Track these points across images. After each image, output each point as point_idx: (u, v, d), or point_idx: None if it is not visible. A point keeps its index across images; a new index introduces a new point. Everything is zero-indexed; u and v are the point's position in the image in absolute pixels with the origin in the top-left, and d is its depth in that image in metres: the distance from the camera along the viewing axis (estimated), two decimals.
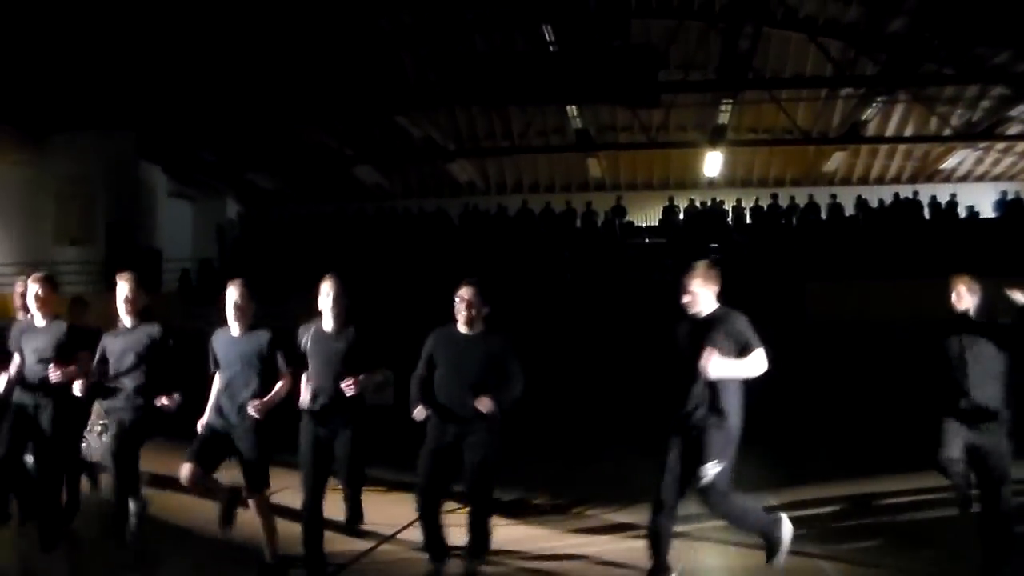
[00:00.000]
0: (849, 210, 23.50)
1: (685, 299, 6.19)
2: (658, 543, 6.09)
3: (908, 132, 25.09)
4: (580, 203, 24.73)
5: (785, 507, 7.43)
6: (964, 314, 6.77)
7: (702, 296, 6.16)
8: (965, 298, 6.78)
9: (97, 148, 21.48)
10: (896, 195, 23.91)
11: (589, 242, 22.71)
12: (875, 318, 16.69)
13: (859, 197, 24.16)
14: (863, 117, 23.00)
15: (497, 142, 26.32)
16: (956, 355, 6.60)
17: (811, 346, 15.88)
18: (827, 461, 12.12)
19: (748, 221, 23.74)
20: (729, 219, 23.82)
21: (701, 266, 6.24)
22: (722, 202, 24.36)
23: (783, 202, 23.76)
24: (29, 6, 17.11)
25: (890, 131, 25.06)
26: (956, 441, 6.59)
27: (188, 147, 22.92)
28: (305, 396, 6.83)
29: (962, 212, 22.95)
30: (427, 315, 7.09)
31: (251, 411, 6.49)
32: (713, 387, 5.98)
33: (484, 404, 6.32)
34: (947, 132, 23.65)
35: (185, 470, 6.60)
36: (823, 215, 23.33)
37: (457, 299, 6.67)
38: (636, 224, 24.81)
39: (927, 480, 8.32)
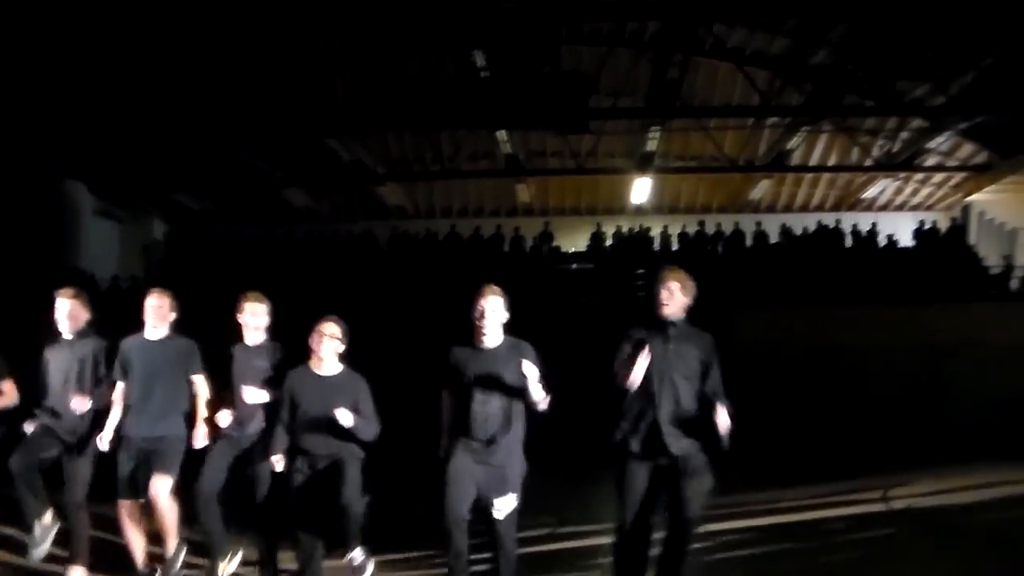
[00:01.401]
0: (774, 237, 23.71)
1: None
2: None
3: (831, 161, 25.51)
4: (508, 228, 24.68)
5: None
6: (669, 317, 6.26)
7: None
8: (676, 296, 6.18)
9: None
10: (819, 223, 24.21)
11: (516, 267, 22.57)
12: (800, 344, 16.94)
13: (783, 225, 24.35)
14: (788, 146, 23.31)
15: (427, 166, 26.08)
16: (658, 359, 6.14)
17: (737, 372, 16.01)
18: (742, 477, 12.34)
19: (675, 248, 23.79)
20: (656, 245, 23.84)
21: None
22: (649, 229, 24.36)
23: (709, 229, 23.88)
24: None
25: (814, 160, 25.44)
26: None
27: (115, 166, 22.55)
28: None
29: (882, 240, 23.26)
30: (354, 339, 6.99)
31: (197, 443, 6.58)
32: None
33: (341, 415, 6.39)
34: (868, 162, 24.08)
35: (125, 508, 6.64)
36: (748, 242, 23.50)
37: (317, 334, 6.73)
38: (563, 250, 24.77)
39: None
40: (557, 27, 20.58)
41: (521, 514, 6.27)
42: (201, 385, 6.97)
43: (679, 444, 5.96)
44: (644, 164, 23.77)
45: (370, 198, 27.21)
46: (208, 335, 7.26)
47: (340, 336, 6.76)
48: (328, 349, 6.72)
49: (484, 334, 6.32)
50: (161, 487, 6.68)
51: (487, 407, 6.20)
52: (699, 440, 6.04)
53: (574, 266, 23.63)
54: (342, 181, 26.15)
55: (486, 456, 6.15)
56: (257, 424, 6.98)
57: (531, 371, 6.15)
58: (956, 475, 11.56)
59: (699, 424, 6.04)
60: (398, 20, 18.89)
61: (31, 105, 18.73)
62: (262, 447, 6.84)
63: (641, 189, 25.19)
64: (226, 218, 26.96)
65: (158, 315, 6.92)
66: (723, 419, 5.89)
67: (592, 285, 20.91)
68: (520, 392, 6.21)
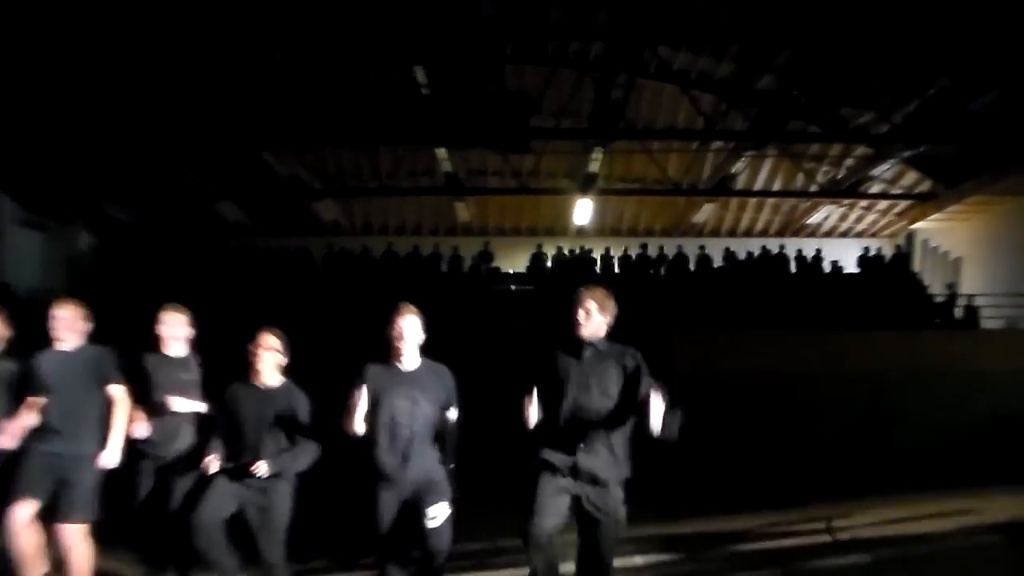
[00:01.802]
0: (718, 261, 23.79)
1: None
2: None
3: (776, 187, 25.70)
4: (447, 247, 24.56)
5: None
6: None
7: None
8: (593, 316, 6.07)
9: None
10: (763, 248, 24.38)
11: (454, 287, 22.48)
12: (743, 370, 16.84)
13: (727, 249, 24.46)
14: (732, 170, 23.45)
15: (364, 182, 25.95)
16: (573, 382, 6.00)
17: (677, 399, 15.92)
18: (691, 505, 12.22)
19: (617, 270, 23.82)
20: (597, 267, 23.83)
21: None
22: (591, 250, 24.41)
23: (652, 252, 23.96)
24: None
25: (758, 185, 25.65)
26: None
27: (40, 174, 22.00)
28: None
29: (827, 266, 23.37)
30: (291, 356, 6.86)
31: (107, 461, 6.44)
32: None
33: (260, 468, 6.28)
34: (813, 188, 24.33)
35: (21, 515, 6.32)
36: (692, 266, 23.56)
37: (256, 346, 6.61)
38: (503, 270, 24.74)
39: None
40: (502, 46, 20.54)
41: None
42: (119, 395, 6.69)
43: (592, 463, 5.85)
44: (586, 185, 23.78)
45: (306, 213, 26.87)
46: (131, 351, 7.04)
47: (279, 348, 6.65)
48: (267, 361, 6.59)
49: (402, 355, 6.24)
50: (73, 534, 6.45)
51: (402, 429, 6.11)
52: (617, 465, 5.94)
53: (513, 287, 23.60)
54: (277, 196, 25.83)
55: (403, 473, 6.07)
56: (183, 440, 6.88)
57: (451, 397, 6.29)
58: (901, 504, 11.48)
59: (620, 446, 5.96)
60: (339, 33, 18.66)
61: None
62: (185, 462, 6.75)
63: (583, 210, 25.15)
64: (156, 231, 26.38)
65: (68, 327, 6.69)
66: (656, 403, 5.73)
67: (531, 307, 20.75)
68: (436, 416, 6.25)
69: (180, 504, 6.67)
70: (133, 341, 7.11)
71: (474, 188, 25.57)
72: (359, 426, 6.01)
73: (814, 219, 26.79)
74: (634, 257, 23.92)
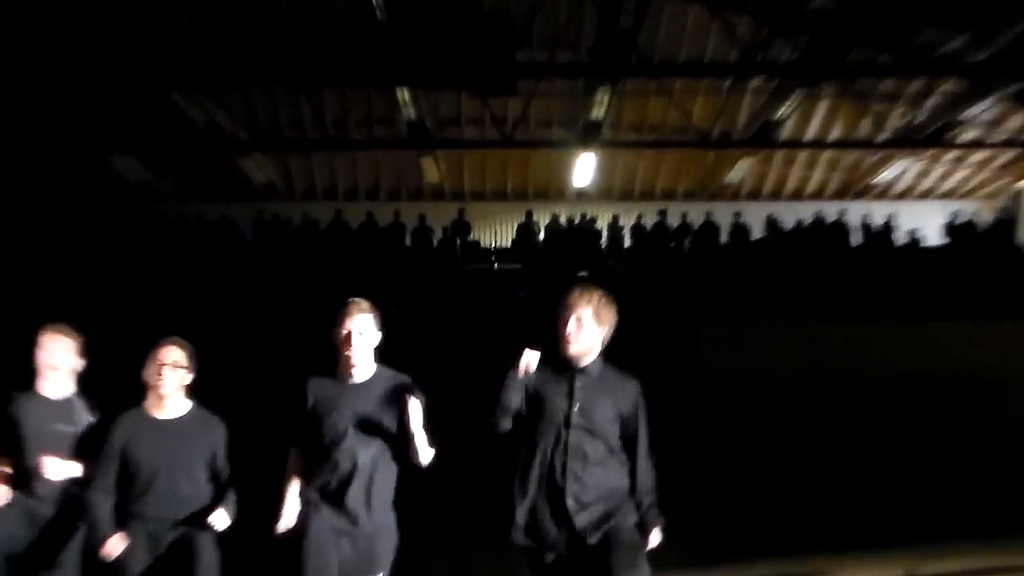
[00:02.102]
0: (757, 232, 23.78)
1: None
2: None
3: (834, 136, 25.58)
4: (411, 215, 24.50)
5: None
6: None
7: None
8: (586, 328, 5.68)
9: None
10: (817, 214, 24.22)
11: (422, 265, 22.32)
12: (789, 369, 16.51)
13: (769, 216, 24.42)
14: (777, 116, 22.98)
15: (305, 133, 25.84)
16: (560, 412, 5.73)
17: (708, 404, 15.69)
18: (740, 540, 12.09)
19: (628, 243, 23.88)
20: (603, 240, 23.86)
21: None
22: (595, 219, 24.38)
23: (673, 220, 23.90)
24: None
25: (811, 134, 25.49)
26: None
27: None
28: None
29: (901, 237, 23.31)
30: (206, 365, 6.58)
31: None
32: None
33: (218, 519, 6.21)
34: (883, 137, 24.00)
35: None
36: (724, 237, 23.52)
37: (155, 363, 6.32)
38: (483, 244, 24.92)
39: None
40: None
41: None
42: None
43: (589, 518, 5.60)
44: (588, 136, 23.45)
45: (229, 173, 26.85)
46: None
47: (185, 363, 6.35)
48: (170, 383, 6.27)
49: (352, 364, 6.01)
50: None
51: (352, 461, 5.88)
52: (623, 510, 5.66)
53: (496, 266, 23.54)
54: (191, 149, 25.79)
55: (349, 525, 5.88)
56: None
57: (415, 416, 5.90)
58: (1005, 546, 11.13)
59: (619, 493, 5.70)
60: None
61: None
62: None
63: (584, 168, 24.98)
64: (30, 193, 26.15)
65: None
66: (652, 518, 5.68)
67: (520, 292, 20.54)
68: (396, 443, 5.99)
69: None
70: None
71: (445, 140, 25.49)
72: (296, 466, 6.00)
73: (884, 176, 26.54)
74: (650, 227, 23.90)
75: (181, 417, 6.37)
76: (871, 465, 15.49)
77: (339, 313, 6.05)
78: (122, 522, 6.19)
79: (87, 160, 25.21)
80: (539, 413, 5.64)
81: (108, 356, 6.91)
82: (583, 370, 5.66)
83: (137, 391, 6.38)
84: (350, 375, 6.03)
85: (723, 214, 24.09)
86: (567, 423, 5.58)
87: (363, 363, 6.04)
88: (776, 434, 15.83)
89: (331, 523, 5.86)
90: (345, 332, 5.96)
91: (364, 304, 6.09)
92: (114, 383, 6.49)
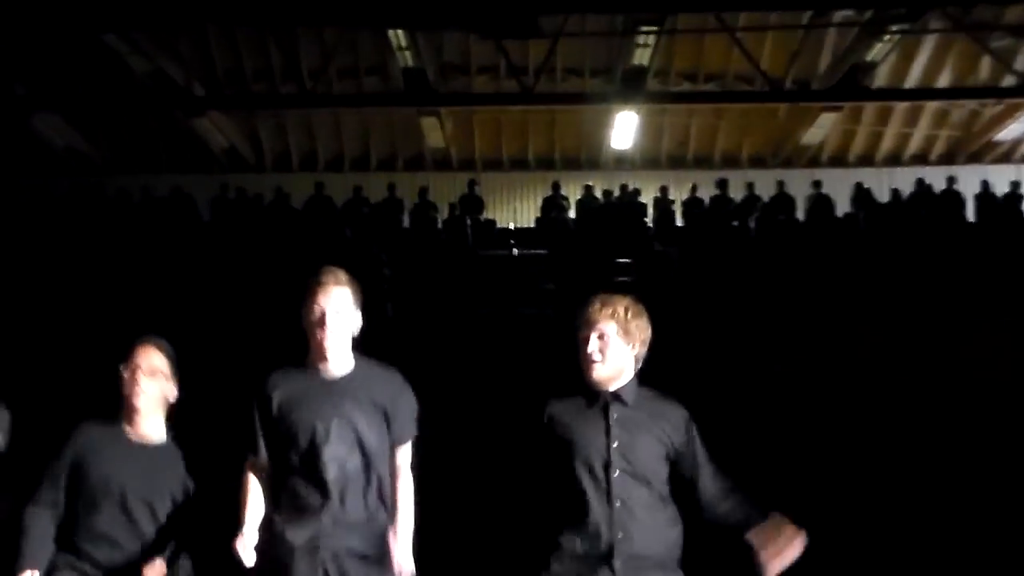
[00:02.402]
0: (843, 205, 23.61)
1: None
2: None
3: (943, 82, 25.10)
4: (410, 189, 24.57)
5: None
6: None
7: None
8: (612, 347, 5.48)
9: None
10: (921, 181, 24.03)
11: (423, 251, 22.40)
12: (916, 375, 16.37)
13: (859, 186, 24.23)
14: (868, 58, 22.93)
15: (276, 86, 25.80)
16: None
17: (777, 420, 15.64)
18: None
19: (679, 222, 23.81)
20: (648, 217, 23.88)
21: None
22: (638, 191, 24.33)
23: (736, 192, 23.82)
24: None
25: (912, 80, 25.07)
26: None
27: None
28: None
29: None
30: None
31: None
32: None
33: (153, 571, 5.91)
34: (1008, 83, 23.77)
35: None
36: (800, 212, 23.41)
37: (123, 371, 6.09)
38: (499, 224, 24.90)
39: None
40: None
41: None
42: None
43: None
44: (630, 88, 23.42)
45: (182, 137, 26.94)
46: None
47: (167, 371, 6.16)
48: (150, 395, 6.10)
49: (326, 353, 5.77)
50: None
51: (326, 467, 5.67)
52: None
53: (516, 252, 23.43)
54: (133, 107, 25.89)
55: (327, 535, 5.67)
56: None
57: (404, 422, 5.85)
58: None
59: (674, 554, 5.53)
60: None
61: None
62: None
63: (625, 128, 24.92)
64: None
65: None
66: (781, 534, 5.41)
67: (545, 283, 20.61)
68: (377, 450, 5.80)
69: None
70: None
71: (452, 95, 25.54)
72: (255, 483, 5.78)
73: (1009, 133, 26.35)
74: (707, 201, 23.83)
75: (161, 444, 6.22)
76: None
77: (309, 287, 5.81)
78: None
79: (1, 120, 25.14)
80: (569, 455, 5.42)
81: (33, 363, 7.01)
82: (617, 397, 5.45)
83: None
84: (324, 367, 5.82)
85: (799, 183, 24.00)
86: (607, 466, 5.38)
87: (338, 350, 5.81)
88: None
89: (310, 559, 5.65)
90: (317, 310, 5.74)
91: (341, 275, 5.82)
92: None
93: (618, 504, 5.34)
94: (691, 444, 5.49)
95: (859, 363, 16.76)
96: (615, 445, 5.37)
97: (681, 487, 5.48)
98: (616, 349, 5.40)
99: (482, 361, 15.14)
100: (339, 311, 5.72)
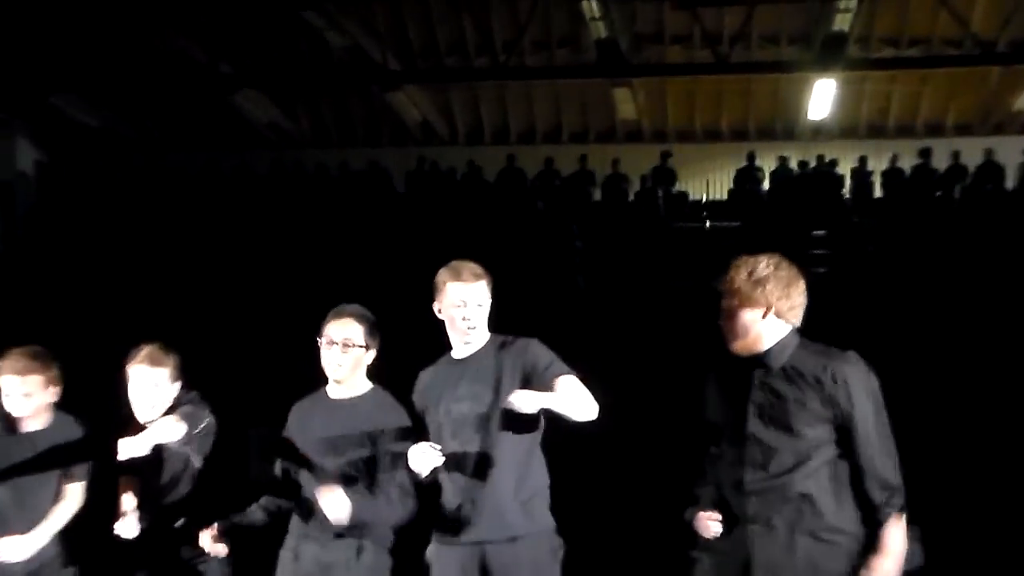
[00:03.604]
0: None
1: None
2: None
3: None
4: (602, 161, 24.44)
5: None
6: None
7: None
8: (734, 318, 5.44)
9: None
10: None
11: (615, 224, 22.32)
12: None
13: None
14: None
15: (470, 60, 25.82)
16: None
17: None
18: None
19: (879, 193, 23.43)
20: (846, 189, 23.57)
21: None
22: (835, 161, 23.92)
23: (940, 162, 23.21)
24: None
25: None
26: None
27: None
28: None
29: None
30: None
31: None
32: None
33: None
34: None
35: None
36: (1010, 183, 22.81)
37: (323, 340, 6.23)
38: (692, 197, 24.81)
39: None
40: None
41: None
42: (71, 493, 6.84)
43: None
44: (829, 55, 22.87)
45: (378, 111, 27.17)
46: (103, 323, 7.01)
47: (364, 341, 6.25)
48: (346, 363, 6.22)
49: (469, 333, 6.03)
50: None
51: (466, 445, 5.87)
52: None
53: (709, 224, 23.38)
54: (331, 82, 26.13)
55: (476, 533, 5.83)
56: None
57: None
58: None
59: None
60: None
61: None
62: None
63: (823, 97, 24.55)
64: (140, 139, 26.69)
65: (23, 405, 6.67)
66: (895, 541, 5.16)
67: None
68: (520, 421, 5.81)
69: None
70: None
71: (644, 66, 25.30)
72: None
73: None
74: (909, 171, 23.33)
75: (357, 396, 6.35)
76: None
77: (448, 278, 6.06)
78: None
79: (206, 98, 25.61)
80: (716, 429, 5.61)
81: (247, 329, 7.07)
82: (762, 362, 5.42)
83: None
84: (463, 348, 6.08)
85: (1010, 151, 23.24)
86: (745, 418, 5.41)
87: (477, 332, 6.06)
88: None
89: (451, 536, 5.90)
90: (459, 298, 6.00)
91: (476, 268, 6.08)
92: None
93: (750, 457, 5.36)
94: (848, 409, 5.20)
95: None
96: (759, 403, 5.35)
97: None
98: (738, 319, 5.39)
99: (674, 333, 14.98)
100: (480, 303, 6.02)
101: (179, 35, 22.74)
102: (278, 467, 6.38)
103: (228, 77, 24.63)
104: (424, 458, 5.58)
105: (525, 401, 5.42)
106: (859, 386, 5.14)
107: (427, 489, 6.06)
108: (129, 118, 26.49)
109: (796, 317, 5.34)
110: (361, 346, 6.19)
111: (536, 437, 5.92)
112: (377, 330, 6.30)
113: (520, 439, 5.85)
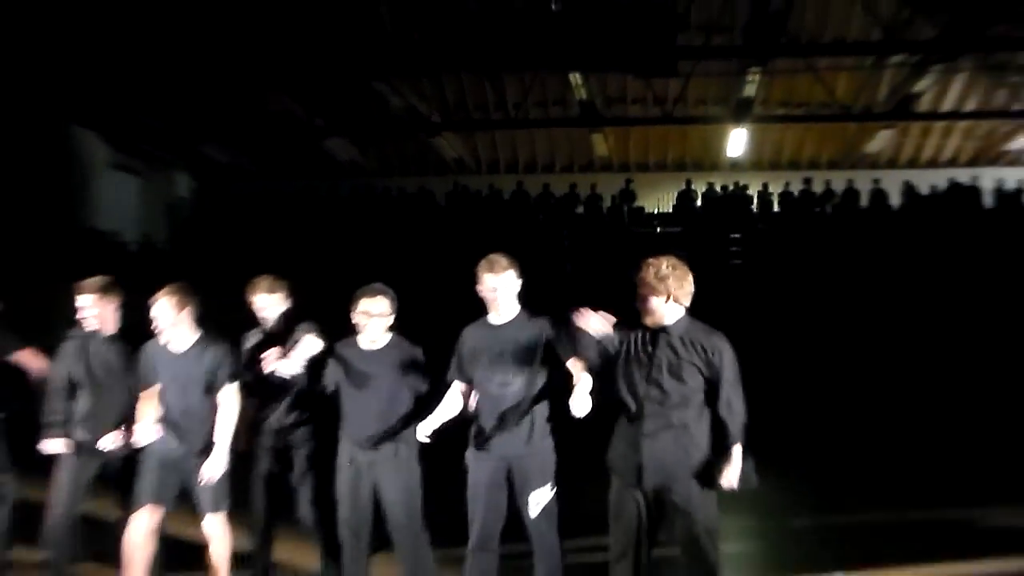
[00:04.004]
0: (894, 197, 22.99)
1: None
2: None
3: (969, 107, 24.35)
4: (583, 185, 24.38)
5: None
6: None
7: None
8: (649, 301, 5.77)
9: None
10: (951, 180, 23.32)
11: (593, 229, 22.40)
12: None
13: (906, 183, 23.54)
14: (915, 89, 22.24)
15: (489, 114, 25.75)
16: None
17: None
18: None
19: (776, 208, 23.39)
20: (754, 206, 23.51)
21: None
22: (746, 186, 23.93)
23: (817, 187, 23.33)
24: None
25: (947, 105, 24.27)
26: None
27: (132, 111, 21.98)
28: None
29: None
30: (409, 310, 6.83)
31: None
32: None
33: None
34: (1018, 107, 22.95)
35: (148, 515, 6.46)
36: (864, 202, 22.91)
37: (359, 314, 6.54)
38: (647, 210, 24.45)
39: None
40: None
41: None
42: (229, 396, 6.65)
43: (658, 474, 5.60)
44: (741, 112, 22.99)
45: (425, 150, 26.99)
46: (237, 304, 7.08)
47: (380, 311, 6.53)
48: (374, 327, 6.55)
49: (500, 308, 6.31)
50: (213, 524, 6.62)
51: (505, 389, 6.13)
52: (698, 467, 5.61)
53: (659, 229, 23.33)
54: (392, 130, 25.99)
55: (503, 448, 6.13)
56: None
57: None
58: None
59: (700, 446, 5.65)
60: None
61: (33, 41, 17.97)
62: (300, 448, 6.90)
63: (737, 141, 24.55)
64: (260, 172, 26.93)
65: (170, 323, 6.56)
66: (733, 463, 5.57)
67: (679, 251, 20.56)
68: (537, 371, 6.16)
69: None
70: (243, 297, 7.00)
71: (613, 118, 25.17)
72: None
73: (1018, 144, 25.43)
74: (796, 194, 23.31)
75: (382, 347, 6.60)
76: None
77: (480, 271, 6.26)
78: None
79: (305, 142, 25.66)
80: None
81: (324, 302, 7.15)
82: (664, 330, 5.69)
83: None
84: (495, 318, 6.31)
85: (864, 181, 23.37)
86: (646, 367, 5.72)
87: (506, 308, 6.28)
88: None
89: (486, 450, 6.20)
90: (487, 286, 6.24)
91: (504, 262, 6.29)
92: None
93: (649, 398, 5.64)
94: (718, 362, 5.56)
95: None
96: (656, 354, 5.65)
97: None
98: (649, 303, 5.69)
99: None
100: (508, 288, 6.28)
101: (285, 97, 22.84)
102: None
103: (321, 128, 24.73)
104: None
105: (581, 406, 5.52)
106: (727, 356, 5.55)
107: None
108: (250, 156, 26.61)
109: (687, 301, 5.69)
110: (376, 315, 6.52)
111: (545, 384, 6.13)
112: (394, 303, 6.62)
113: (534, 384, 6.10)
